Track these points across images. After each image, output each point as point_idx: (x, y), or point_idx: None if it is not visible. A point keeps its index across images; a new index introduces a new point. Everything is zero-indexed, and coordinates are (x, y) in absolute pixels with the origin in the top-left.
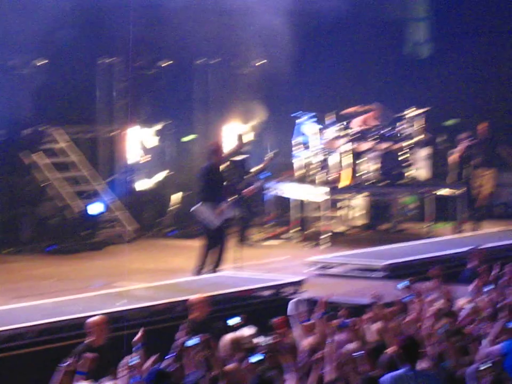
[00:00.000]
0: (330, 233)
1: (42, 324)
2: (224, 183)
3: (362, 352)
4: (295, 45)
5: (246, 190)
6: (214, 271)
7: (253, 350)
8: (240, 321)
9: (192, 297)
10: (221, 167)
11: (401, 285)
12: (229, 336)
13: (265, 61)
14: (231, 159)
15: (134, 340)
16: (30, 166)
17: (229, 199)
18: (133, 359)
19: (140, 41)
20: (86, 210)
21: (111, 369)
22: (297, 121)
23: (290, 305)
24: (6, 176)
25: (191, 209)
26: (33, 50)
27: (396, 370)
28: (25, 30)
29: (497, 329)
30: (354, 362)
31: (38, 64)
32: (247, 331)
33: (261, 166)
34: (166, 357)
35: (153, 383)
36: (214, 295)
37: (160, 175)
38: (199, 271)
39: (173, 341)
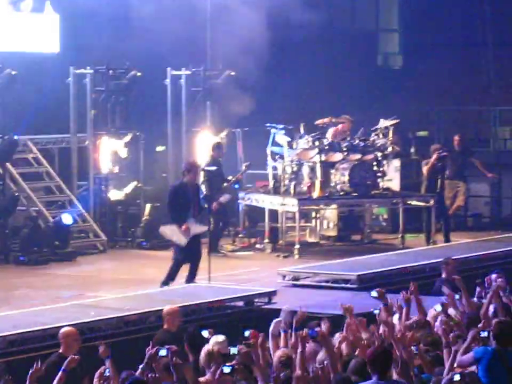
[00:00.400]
0: (302, 244)
1: (13, 334)
2: (195, 200)
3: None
4: (268, 56)
5: (213, 204)
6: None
7: (227, 359)
8: (209, 333)
9: (166, 307)
10: (192, 186)
11: (374, 292)
12: (206, 348)
13: (236, 72)
14: (206, 168)
15: (100, 353)
16: (2, 175)
17: (197, 216)
18: (108, 369)
19: (113, 51)
20: (58, 220)
21: (83, 379)
22: (272, 131)
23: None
24: None
25: (159, 230)
26: (4, 60)
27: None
28: None
29: (470, 339)
30: (325, 372)
31: (11, 73)
32: (219, 339)
33: (234, 178)
34: (138, 367)
35: None
36: (186, 306)
37: (131, 186)
38: (166, 285)
39: (145, 351)
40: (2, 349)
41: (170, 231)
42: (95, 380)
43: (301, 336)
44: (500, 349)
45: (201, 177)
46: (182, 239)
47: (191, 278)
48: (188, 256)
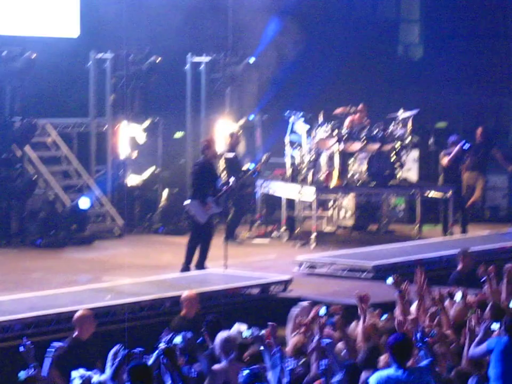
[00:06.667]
0: (319, 233)
1: (29, 317)
2: (217, 179)
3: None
4: (288, 44)
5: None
6: (199, 268)
7: (246, 346)
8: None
9: (184, 293)
10: (214, 163)
11: (390, 279)
12: (222, 335)
13: (256, 59)
14: (225, 156)
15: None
16: (21, 158)
17: (216, 196)
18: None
19: (133, 36)
20: (75, 204)
21: (97, 362)
22: (290, 119)
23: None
24: None
25: (184, 203)
26: (25, 43)
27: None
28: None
29: (483, 332)
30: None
31: (31, 57)
32: (240, 328)
33: (252, 170)
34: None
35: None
36: (201, 292)
37: (149, 171)
38: (186, 268)
39: (160, 336)
40: (18, 330)
41: (193, 207)
42: (109, 357)
43: (319, 324)
44: None
45: (220, 165)
46: (202, 216)
47: (202, 260)
48: (202, 235)
